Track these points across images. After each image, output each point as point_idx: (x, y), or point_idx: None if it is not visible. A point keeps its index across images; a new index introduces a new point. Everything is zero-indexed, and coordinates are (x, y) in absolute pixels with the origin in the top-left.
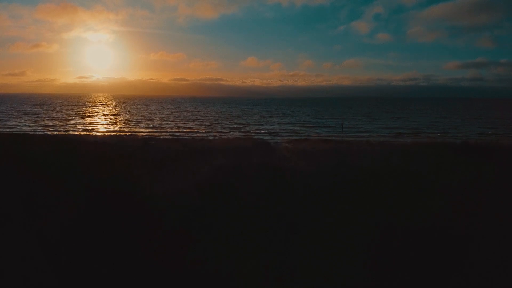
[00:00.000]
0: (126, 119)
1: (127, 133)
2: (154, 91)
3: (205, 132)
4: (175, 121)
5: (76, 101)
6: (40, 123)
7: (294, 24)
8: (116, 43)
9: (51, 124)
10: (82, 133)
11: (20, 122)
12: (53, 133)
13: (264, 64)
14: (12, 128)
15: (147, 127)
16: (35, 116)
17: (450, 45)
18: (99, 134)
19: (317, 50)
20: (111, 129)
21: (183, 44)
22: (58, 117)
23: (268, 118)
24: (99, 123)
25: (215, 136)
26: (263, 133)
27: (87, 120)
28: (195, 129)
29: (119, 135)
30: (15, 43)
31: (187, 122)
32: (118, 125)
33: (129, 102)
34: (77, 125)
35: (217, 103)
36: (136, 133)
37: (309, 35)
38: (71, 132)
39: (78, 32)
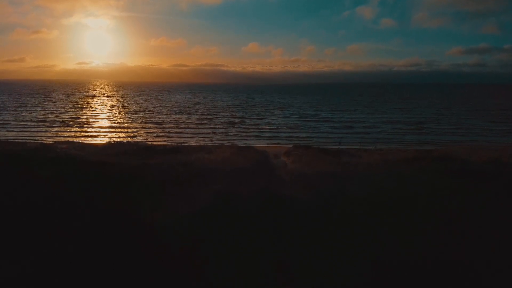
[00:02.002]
0: (125, 113)
1: (127, 139)
2: (153, 77)
3: (204, 129)
4: (174, 115)
5: (74, 90)
6: (37, 118)
7: (298, 10)
8: (116, 29)
9: (48, 119)
10: (80, 136)
11: (17, 117)
12: (53, 129)
13: (266, 50)
14: (7, 124)
15: (146, 122)
16: (32, 109)
17: (454, 30)
18: (99, 138)
19: (320, 36)
20: (110, 125)
21: (184, 30)
22: (55, 110)
23: (268, 110)
24: (97, 117)
25: (215, 134)
26: (262, 129)
27: (84, 114)
28: (194, 125)
29: (118, 141)
30: (15, 30)
31: (186, 116)
32: (117, 121)
33: (128, 90)
34: (74, 120)
35: (217, 92)
36: (137, 131)
37: (312, 21)
38: (70, 128)
39: (78, 18)
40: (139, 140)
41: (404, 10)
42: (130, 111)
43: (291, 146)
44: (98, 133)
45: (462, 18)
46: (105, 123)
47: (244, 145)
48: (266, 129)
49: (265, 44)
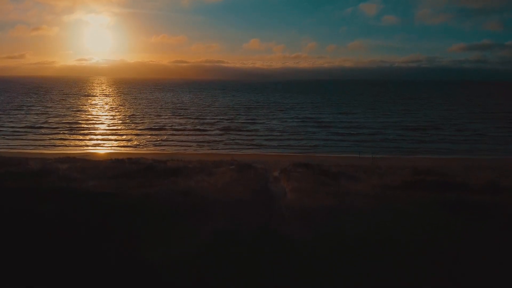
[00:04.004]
0: (124, 117)
1: (128, 150)
2: (153, 74)
3: (204, 135)
4: (174, 119)
5: (73, 89)
6: (36, 124)
7: (300, 6)
8: (117, 26)
9: (46, 125)
10: (80, 146)
11: (15, 122)
12: (51, 136)
13: (267, 46)
14: (4, 129)
15: (146, 129)
16: (30, 112)
17: (457, 27)
18: (99, 148)
19: (322, 32)
20: (109, 131)
21: (185, 27)
22: (53, 113)
23: (270, 112)
24: (96, 122)
25: (217, 143)
26: (264, 135)
27: (83, 118)
28: (194, 131)
29: (120, 158)
30: (15, 27)
31: (185, 120)
32: (116, 127)
33: (127, 88)
34: (73, 126)
35: (217, 90)
36: (137, 140)
37: (314, 17)
38: (69, 136)
39: (79, 14)
40: (139, 153)
41: (407, 6)
42: (130, 115)
43: (292, 158)
44: (98, 142)
45: (465, 15)
46: (104, 129)
47: (244, 155)
48: (267, 135)
49: (267, 40)
